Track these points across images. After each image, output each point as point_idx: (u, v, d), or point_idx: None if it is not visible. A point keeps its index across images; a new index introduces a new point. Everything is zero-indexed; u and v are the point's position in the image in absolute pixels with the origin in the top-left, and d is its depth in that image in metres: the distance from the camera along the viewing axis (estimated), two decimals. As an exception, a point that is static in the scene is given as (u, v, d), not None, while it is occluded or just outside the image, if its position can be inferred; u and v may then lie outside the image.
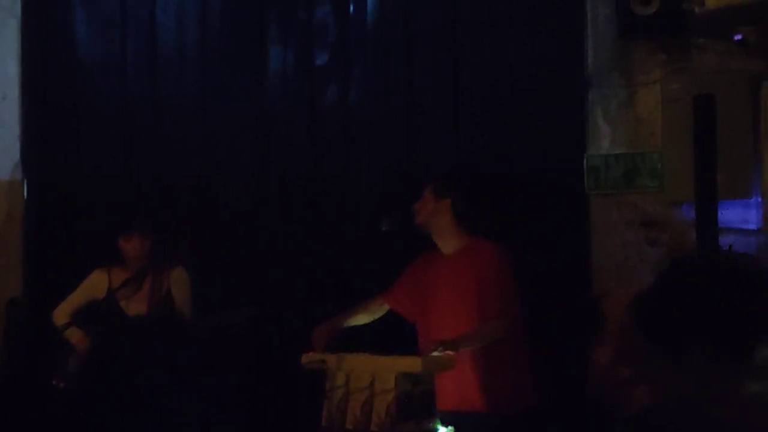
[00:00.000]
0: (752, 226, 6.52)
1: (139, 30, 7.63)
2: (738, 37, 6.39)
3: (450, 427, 5.32)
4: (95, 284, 6.47)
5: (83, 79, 7.67)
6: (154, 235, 6.42)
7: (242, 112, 7.49)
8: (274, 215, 7.38)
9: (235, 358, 2.16)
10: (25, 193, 7.60)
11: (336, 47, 7.40)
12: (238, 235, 7.42)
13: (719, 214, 6.04)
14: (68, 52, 7.69)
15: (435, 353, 5.40)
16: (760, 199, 6.43)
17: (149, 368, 1.99)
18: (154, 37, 7.59)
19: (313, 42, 7.43)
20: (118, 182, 7.52)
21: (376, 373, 5.23)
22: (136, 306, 6.28)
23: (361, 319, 5.99)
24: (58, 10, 7.71)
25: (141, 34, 7.63)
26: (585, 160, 6.93)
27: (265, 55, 7.48)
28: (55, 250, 7.49)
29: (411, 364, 5.28)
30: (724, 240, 6.14)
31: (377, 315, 6.04)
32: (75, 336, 6.27)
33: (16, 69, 7.64)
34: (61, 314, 6.44)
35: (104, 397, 1.97)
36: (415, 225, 5.92)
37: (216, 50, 7.56)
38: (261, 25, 7.49)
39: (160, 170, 7.52)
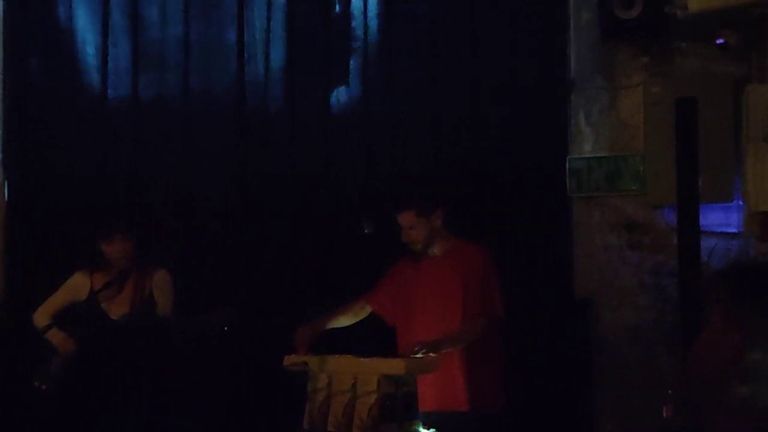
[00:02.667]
0: (733, 230, 6.54)
1: (119, 31, 7.60)
2: (720, 40, 6.41)
3: (432, 430, 5.31)
4: (77, 286, 6.44)
5: (64, 80, 7.64)
6: (135, 237, 6.39)
7: (222, 113, 7.47)
8: (255, 217, 7.36)
9: (217, 360, 2.15)
10: (6, 195, 7.56)
11: (317, 53, 7.38)
12: (218, 238, 7.39)
13: (701, 217, 6.06)
14: (49, 55, 7.66)
15: (417, 355, 5.40)
16: (741, 203, 6.45)
17: (132, 369, 1.98)
18: (134, 37, 7.57)
19: (295, 43, 7.41)
20: (99, 184, 7.49)
21: (358, 376, 5.22)
22: (118, 308, 6.25)
23: (343, 320, 5.98)
24: (40, 12, 7.68)
25: (121, 36, 7.60)
26: (567, 163, 6.94)
27: (246, 56, 7.46)
28: (37, 251, 7.46)
29: (393, 366, 5.27)
30: (706, 243, 6.16)
31: (359, 317, 6.03)
32: (57, 338, 6.24)
33: (-4, 71, 7.63)
34: (42, 316, 6.40)
35: (87, 397, 1.96)
36: (418, 252, 5.91)
37: (196, 51, 7.53)
38: (242, 25, 7.46)
39: (140, 172, 7.49)
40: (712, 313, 1.79)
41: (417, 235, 5.86)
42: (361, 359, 5.33)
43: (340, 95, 7.38)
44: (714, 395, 1.76)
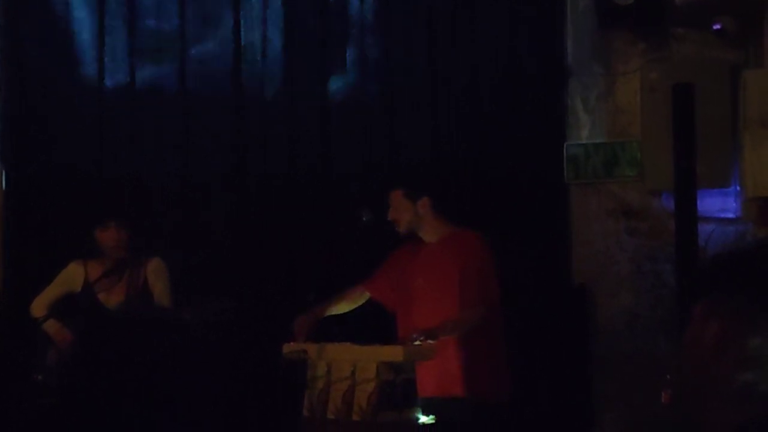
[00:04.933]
0: (731, 215, 6.56)
1: (115, 21, 7.59)
2: (717, 26, 6.41)
3: (431, 416, 5.33)
4: (71, 276, 6.42)
5: (61, 70, 7.62)
6: (130, 226, 6.37)
7: (219, 104, 7.46)
8: (252, 206, 7.35)
9: (215, 348, 2.16)
10: (4, 185, 7.56)
11: (314, 42, 7.38)
12: (216, 227, 7.39)
13: (698, 202, 6.07)
14: (46, 47, 7.64)
15: (415, 342, 5.41)
16: (738, 188, 6.46)
17: (130, 360, 1.99)
18: (132, 30, 7.55)
19: (292, 36, 7.41)
20: (96, 174, 7.48)
21: (357, 363, 5.23)
22: (113, 298, 6.24)
23: (342, 308, 5.99)
24: (37, 7, 7.67)
25: (117, 25, 7.59)
26: (564, 150, 6.95)
27: (243, 50, 7.45)
28: (35, 242, 7.45)
29: (392, 353, 5.28)
30: (704, 229, 6.17)
31: (358, 303, 6.03)
32: (53, 329, 6.23)
33: (-6, 62, 7.61)
34: (38, 307, 6.39)
35: (86, 389, 1.96)
36: (400, 233, 5.92)
37: (193, 40, 7.53)
38: (238, 19, 7.46)
39: (137, 162, 7.48)
40: (696, 303, 1.81)
41: (399, 217, 5.86)
42: (360, 347, 5.34)
43: (337, 83, 7.37)
44: (706, 384, 1.77)
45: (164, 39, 7.56)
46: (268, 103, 7.42)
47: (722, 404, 1.72)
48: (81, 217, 6.90)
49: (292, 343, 5.50)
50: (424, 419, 5.31)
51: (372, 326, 5.99)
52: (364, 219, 6.01)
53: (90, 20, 7.62)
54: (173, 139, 7.48)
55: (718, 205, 6.57)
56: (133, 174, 7.46)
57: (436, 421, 5.34)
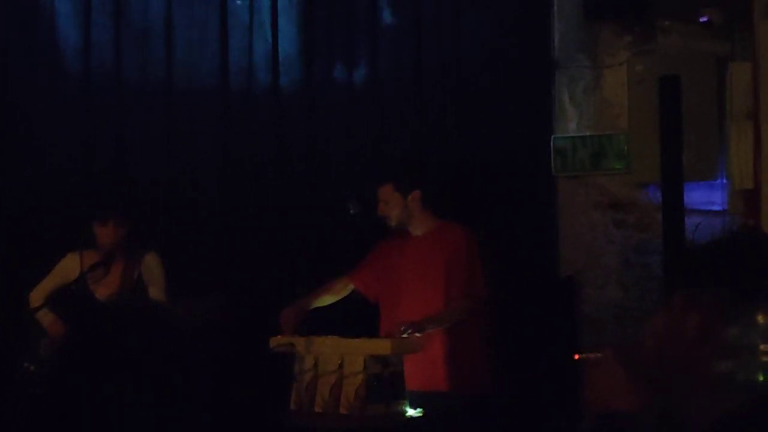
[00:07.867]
0: (717, 208, 6.57)
1: (102, 18, 7.56)
2: (703, 18, 6.42)
3: (419, 409, 5.33)
4: (67, 267, 6.42)
5: (46, 66, 7.59)
6: (128, 224, 6.36)
7: (206, 96, 7.44)
8: (240, 200, 7.35)
9: (205, 342, 2.16)
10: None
11: (301, 30, 7.37)
12: (204, 221, 7.38)
13: (685, 195, 6.08)
14: (32, 40, 7.61)
15: (403, 335, 5.40)
16: (725, 181, 6.47)
17: (117, 351, 1.98)
18: (117, 23, 7.53)
19: (278, 24, 7.40)
20: (85, 169, 7.47)
21: (344, 356, 5.23)
22: (105, 290, 6.25)
23: (326, 299, 5.97)
24: (20, 4, 7.65)
25: (104, 22, 7.56)
26: (552, 142, 6.95)
27: (229, 39, 7.44)
28: (28, 236, 7.43)
29: (380, 346, 5.28)
30: (690, 221, 6.18)
31: (342, 295, 6.01)
32: (46, 319, 6.24)
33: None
34: (35, 297, 6.39)
35: (75, 381, 1.96)
36: (391, 227, 5.91)
37: (179, 34, 7.51)
38: (225, 7, 7.44)
39: (126, 158, 7.46)
40: (673, 294, 1.82)
41: (390, 211, 5.85)
42: (348, 340, 5.33)
43: (324, 77, 7.37)
44: (686, 375, 1.78)
45: (150, 35, 7.53)
46: (254, 96, 7.41)
47: (703, 394, 1.73)
48: (72, 210, 6.91)
49: (279, 337, 5.49)
50: (411, 412, 5.32)
51: (359, 319, 5.98)
52: (351, 211, 6.01)
53: (74, 12, 7.59)
54: (160, 133, 7.46)
55: (705, 197, 6.58)
56: (121, 169, 7.44)
57: (424, 414, 5.34)
